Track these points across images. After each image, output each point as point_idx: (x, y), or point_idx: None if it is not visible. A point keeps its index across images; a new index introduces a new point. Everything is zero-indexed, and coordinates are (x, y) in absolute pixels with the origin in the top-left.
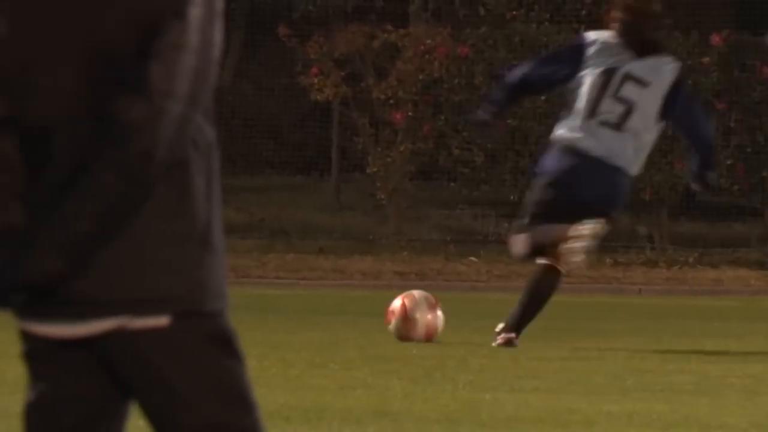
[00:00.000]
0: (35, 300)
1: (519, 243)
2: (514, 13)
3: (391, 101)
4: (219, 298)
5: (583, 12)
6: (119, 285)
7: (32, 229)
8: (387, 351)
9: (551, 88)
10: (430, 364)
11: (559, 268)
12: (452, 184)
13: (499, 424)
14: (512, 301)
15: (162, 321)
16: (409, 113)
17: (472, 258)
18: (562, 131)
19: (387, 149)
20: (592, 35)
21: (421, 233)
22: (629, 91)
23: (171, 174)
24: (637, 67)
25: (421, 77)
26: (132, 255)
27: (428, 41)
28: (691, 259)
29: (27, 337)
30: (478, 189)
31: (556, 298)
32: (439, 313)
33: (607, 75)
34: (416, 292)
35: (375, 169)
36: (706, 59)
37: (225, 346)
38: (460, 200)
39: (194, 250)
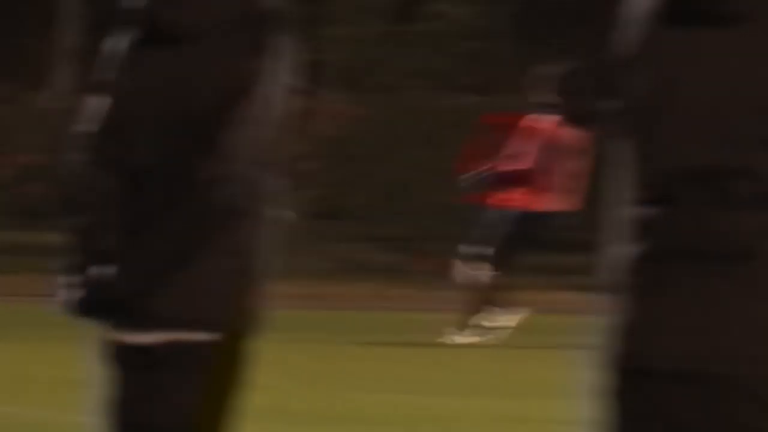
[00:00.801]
0: (116, 313)
1: None
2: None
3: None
4: (257, 323)
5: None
6: (181, 305)
7: (120, 255)
8: None
9: None
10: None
11: None
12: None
13: None
14: None
15: (213, 337)
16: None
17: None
18: None
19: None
20: None
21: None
22: None
23: (234, 220)
24: None
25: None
26: (192, 283)
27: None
28: None
29: (113, 345)
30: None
31: None
32: None
33: None
34: None
35: None
36: None
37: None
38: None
39: (244, 283)
